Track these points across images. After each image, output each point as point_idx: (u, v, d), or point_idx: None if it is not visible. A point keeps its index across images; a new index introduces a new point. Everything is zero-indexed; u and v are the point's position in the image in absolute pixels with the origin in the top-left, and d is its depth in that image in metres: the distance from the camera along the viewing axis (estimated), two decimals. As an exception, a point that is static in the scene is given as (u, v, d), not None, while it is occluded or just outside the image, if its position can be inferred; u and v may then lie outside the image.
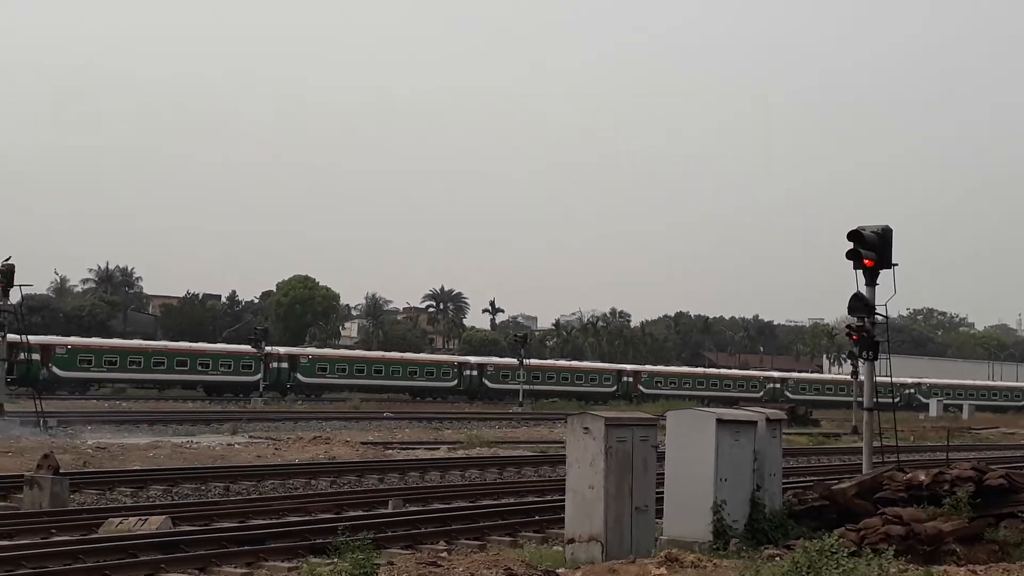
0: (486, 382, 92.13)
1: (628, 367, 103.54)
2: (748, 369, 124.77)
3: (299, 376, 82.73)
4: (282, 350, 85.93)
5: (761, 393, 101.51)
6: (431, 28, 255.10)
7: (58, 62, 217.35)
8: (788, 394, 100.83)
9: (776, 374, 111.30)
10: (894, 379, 24.72)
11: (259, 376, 79.59)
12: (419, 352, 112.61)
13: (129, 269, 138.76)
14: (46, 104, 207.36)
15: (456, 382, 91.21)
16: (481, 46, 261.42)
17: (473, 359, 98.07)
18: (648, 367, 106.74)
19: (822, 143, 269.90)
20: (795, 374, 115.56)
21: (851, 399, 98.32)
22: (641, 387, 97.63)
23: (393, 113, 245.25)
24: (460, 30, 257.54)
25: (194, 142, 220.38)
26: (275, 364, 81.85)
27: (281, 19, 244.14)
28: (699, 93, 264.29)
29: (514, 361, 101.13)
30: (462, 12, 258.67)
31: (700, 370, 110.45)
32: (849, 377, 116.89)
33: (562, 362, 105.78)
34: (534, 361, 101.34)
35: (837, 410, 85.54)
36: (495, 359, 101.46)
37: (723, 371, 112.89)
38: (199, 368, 79.16)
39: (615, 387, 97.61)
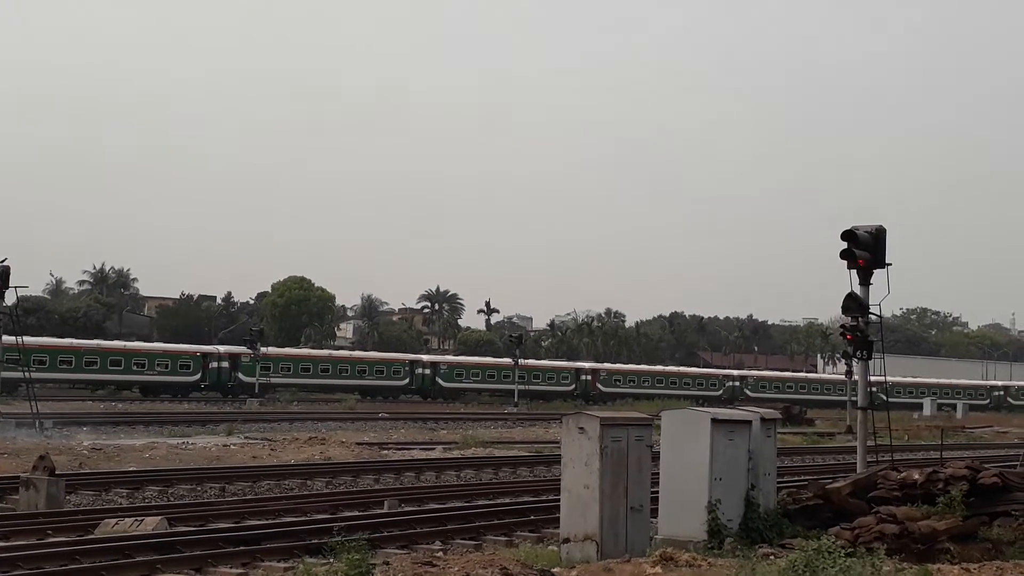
0: (440, 381, 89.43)
1: (586, 365, 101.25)
2: (744, 368, 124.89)
3: (241, 376, 79.50)
4: (222, 349, 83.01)
5: (720, 391, 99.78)
6: (427, 26, 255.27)
7: (54, 62, 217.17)
8: (748, 392, 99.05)
9: (735, 372, 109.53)
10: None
11: (198, 376, 77.60)
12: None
13: (125, 270, 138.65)
14: (42, 104, 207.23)
15: (408, 381, 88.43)
16: (475, 45, 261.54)
17: (426, 357, 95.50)
18: (607, 365, 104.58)
19: (816, 143, 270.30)
20: (755, 372, 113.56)
21: (814, 397, 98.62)
22: (600, 385, 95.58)
23: (389, 113, 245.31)
24: (454, 28, 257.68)
25: (191, 143, 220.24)
26: (215, 364, 79.15)
27: (279, 19, 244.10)
28: (694, 94, 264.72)
29: (470, 359, 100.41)
30: (456, 10, 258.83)
31: (659, 368, 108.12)
32: (811, 375, 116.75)
33: (527, 361, 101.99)
34: (489, 359, 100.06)
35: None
36: (449, 357, 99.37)
37: (682, 369, 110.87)
38: (134, 368, 75.59)
39: (573, 385, 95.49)
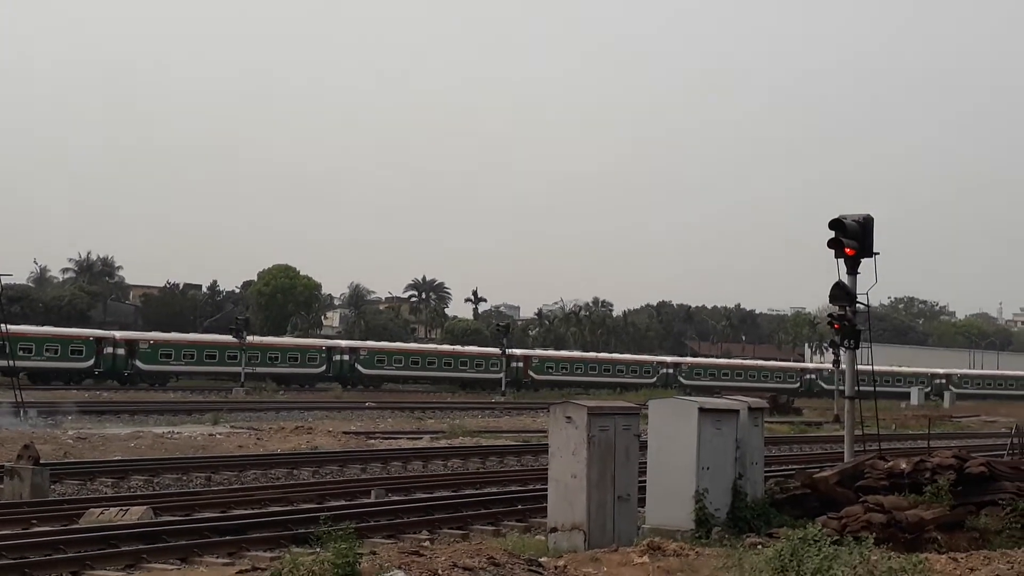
0: (359, 367, 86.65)
1: (517, 352, 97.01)
2: (731, 357, 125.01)
3: (139, 363, 76.41)
4: (119, 335, 79.38)
5: (655, 379, 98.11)
6: (418, 25, 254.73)
7: (38, 52, 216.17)
8: (681, 379, 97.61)
9: (669, 359, 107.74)
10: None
11: (91, 362, 74.41)
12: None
13: (110, 258, 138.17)
14: (26, 93, 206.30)
15: (324, 368, 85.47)
16: (465, 41, 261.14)
17: (344, 343, 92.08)
18: (538, 352, 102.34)
19: (804, 134, 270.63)
20: (688, 359, 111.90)
21: (751, 384, 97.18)
22: (531, 373, 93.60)
23: (376, 106, 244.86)
24: (446, 26, 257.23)
25: (176, 132, 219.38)
26: (110, 349, 75.66)
27: (271, 17, 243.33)
28: (682, 88, 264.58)
29: (392, 345, 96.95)
30: (447, 8, 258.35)
31: (592, 355, 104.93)
32: (747, 361, 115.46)
33: (446, 347, 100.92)
34: (413, 345, 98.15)
35: (731, 392, 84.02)
36: (369, 343, 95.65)
37: (615, 356, 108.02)
38: (20, 353, 64.99)
39: (503, 373, 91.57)
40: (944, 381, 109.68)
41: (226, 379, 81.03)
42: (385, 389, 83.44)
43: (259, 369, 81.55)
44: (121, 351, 76.24)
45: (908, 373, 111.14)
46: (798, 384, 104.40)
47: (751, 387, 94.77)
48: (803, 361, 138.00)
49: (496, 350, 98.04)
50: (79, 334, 76.21)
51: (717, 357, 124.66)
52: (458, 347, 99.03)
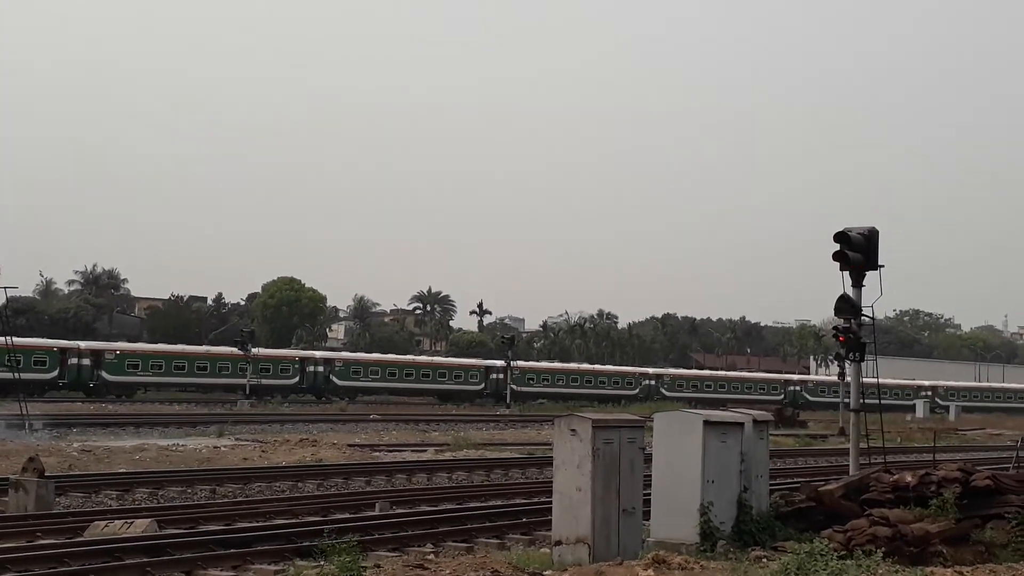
0: (334, 379, 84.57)
1: (497, 363, 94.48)
2: (736, 370, 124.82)
3: (105, 374, 74.06)
4: (83, 344, 76.63)
5: (637, 390, 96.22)
6: (423, 28, 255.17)
7: (42, 60, 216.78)
8: (664, 391, 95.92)
9: (651, 370, 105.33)
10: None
11: (55, 374, 71.67)
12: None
13: (115, 271, 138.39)
14: (30, 103, 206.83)
15: (298, 379, 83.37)
16: (470, 46, 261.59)
17: (319, 354, 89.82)
18: (519, 363, 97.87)
19: (808, 145, 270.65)
20: (671, 370, 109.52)
21: (734, 396, 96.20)
22: (512, 384, 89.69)
23: (380, 114, 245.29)
24: (450, 30, 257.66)
25: (181, 143, 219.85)
26: (75, 360, 72.96)
27: (275, 21, 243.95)
28: (686, 96, 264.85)
29: (368, 356, 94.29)
30: (453, 11, 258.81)
31: (573, 366, 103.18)
32: (731, 372, 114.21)
33: (423, 358, 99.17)
34: (390, 356, 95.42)
35: (713, 407, 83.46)
36: (345, 354, 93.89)
37: (597, 367, 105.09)
38: None
39: (483, 384, 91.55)
40: (929, 394, 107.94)
41: (195, 391, 79.36)
42: (361, 401, 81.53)
43: (229, 380, 79.97)
44: (87, 362, 73.93)
45: (893, 385, 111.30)
46: (782, 396, 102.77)
47: (734, 399, 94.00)
48: (808, 373, 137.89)
49: (477, 361, 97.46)
50: (42, 344, 73.26)
51: (719, 369, 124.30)
52: (437, 358, 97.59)
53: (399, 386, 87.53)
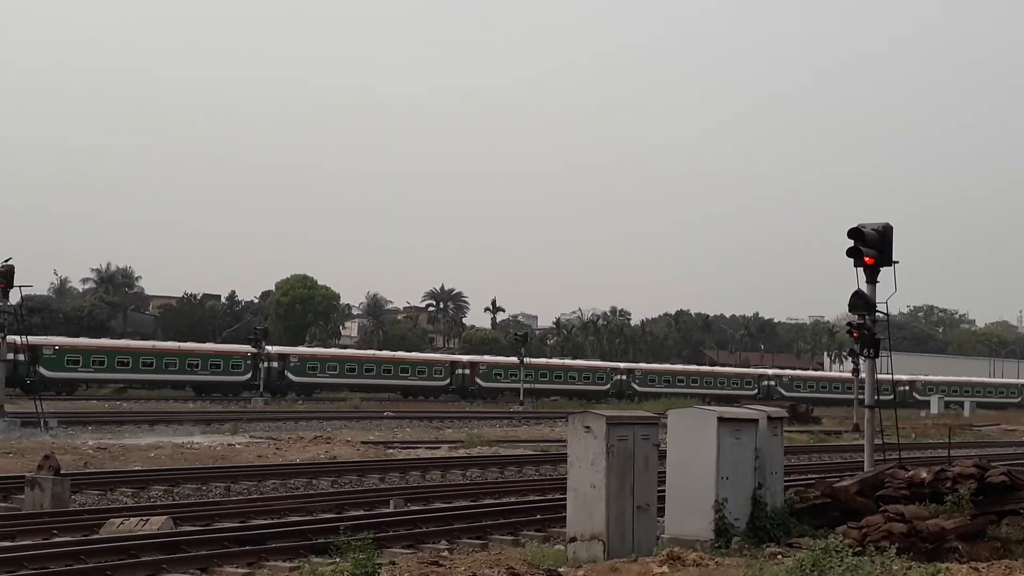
0: (289, 375, 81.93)
1: (464, 358, 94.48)
2: (750, 366, 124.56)
3: (43, 370, 68.61)
4: (19, 340, 69.90)
5: (608, 385, 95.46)
6: (433, 28, 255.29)
7: (56, 61, 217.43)
8: (635, 386, 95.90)
9: (623, 365, 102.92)
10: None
11: None
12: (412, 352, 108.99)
13: (129, 269, 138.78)
14: (45, 103, 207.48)
15: (251, 375, 79.86)
16: (482, 46, 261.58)
17: (273, 349, 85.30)
18: (486, 358, 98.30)
19: (823, 141, 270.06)
20: (643, 365, 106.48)
21: (707, 391, 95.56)
22: (479, 380, 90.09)
23: (393, 113, 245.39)
24: (462, 30, 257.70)
25: (194, 143, 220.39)
26: (11, 356, 65.00)
27: (281, 19, 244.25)
28: (699, 93, 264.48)
29: (326, 351, 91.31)
30: (463, 12, 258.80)
31: (543, 361, 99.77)
32: (703, 367, 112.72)
33: (386, 353, 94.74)
34: (349, 351, 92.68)
35: (684, 399, 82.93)
36: (301, 349, 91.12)
37: (566, 362, 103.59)
38: None
39: (448, 380, 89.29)
40: (908, 388, 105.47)
41: (139, 387, 76.83)
42: (317, 398, 79.30)
43: (178, 377, 77.54)
44: (22, 357, 67.40)
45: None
46: (756, 391, 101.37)
47: (707, 393, 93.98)
48: (822, 369, 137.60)
49: (442, 356, 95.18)
50: None
51: (735, 365, 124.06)
52: (400, 353, 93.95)
53: (359, 382, 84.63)
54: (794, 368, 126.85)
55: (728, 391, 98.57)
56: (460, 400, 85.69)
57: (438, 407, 74.66)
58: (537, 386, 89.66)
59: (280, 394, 79.08)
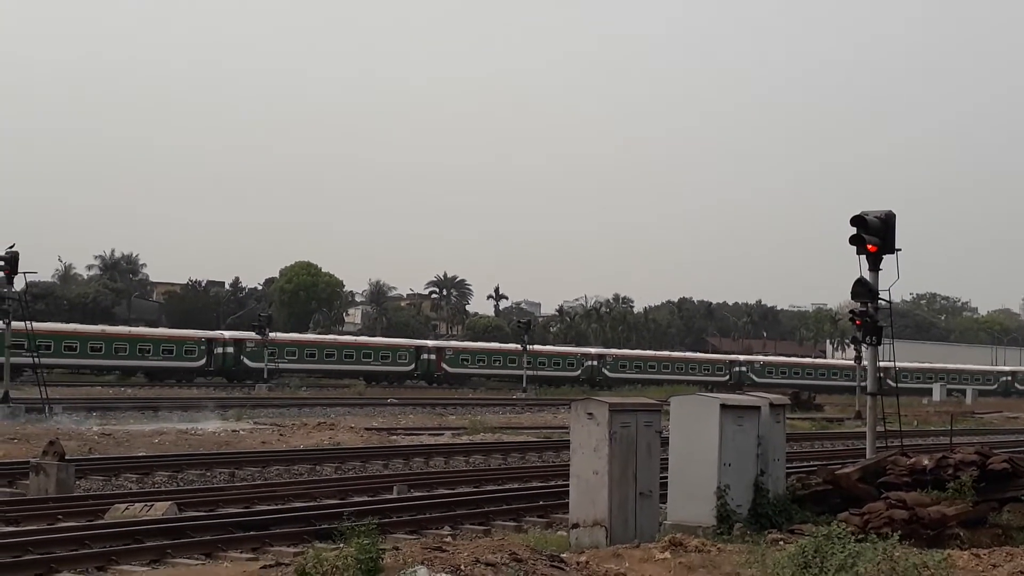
0: (245, 360, 79.56)
1: (429, 343, 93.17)
2: (752, 353, 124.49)
3: None
4: None
5: (579, 372, 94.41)
6: (434, 19, 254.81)
7: (63, 52, 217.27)
8: (607, 372, 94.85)
9: (593, 351, 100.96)
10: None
11: None
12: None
13: (134, 256, 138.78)
14: (51, 93, 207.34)
15: (205, 361, 78.38)
16: (482, 37, 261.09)
17: (228, 334, 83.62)
18: (453, 343, 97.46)
19: (825, 129, 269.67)
20: (613, 351, 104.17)
21: (678, 377, 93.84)
22: (445, 365, 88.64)
23: (397, 103, 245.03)
24: (462, 22, 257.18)
25: (198, 131, 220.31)
26: None
27: (281, 11, 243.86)
28: (701, 82, 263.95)
29: (284, 336, 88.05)
30: (463, 4, 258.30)
31: (511, 346, 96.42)
32: (675, 353, 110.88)
33: (348, 338, 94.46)
34: (309, 336, 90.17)
35: (655, 386, 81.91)
36: (251, 333, 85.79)
37: (537, 348, 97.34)
38: None
39: (413, 365, 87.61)
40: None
41: (87, 372, 74.47)
42: (279, 384, 76.05)
43: (128, 362, 75.55)
44: None
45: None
46: (727, 377, 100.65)
47: (678, 379, 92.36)
48: (824, 357, 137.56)
49: (407, 341, 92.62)
50: None
51: (734, 353, 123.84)
52: (362, 338, 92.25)
53: (320, 367, 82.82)
54: (797, 355, 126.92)
55: (699, 377, 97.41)
56: (427, 386, 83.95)
57: (442, 395, 74.62)
58: (502, 371, 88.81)
59: (237, 380, 77.43)
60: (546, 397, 72.25)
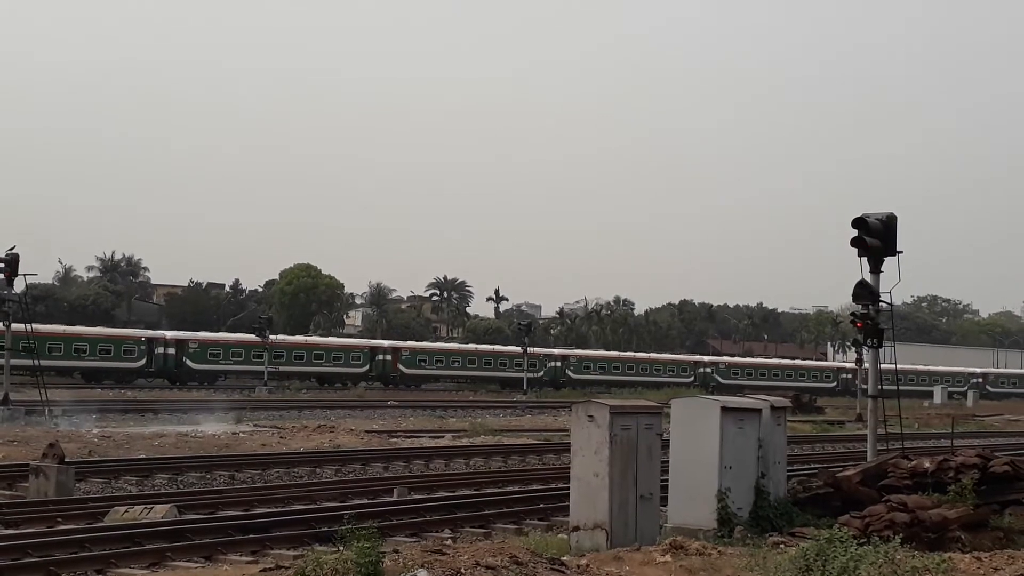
0: (188, 362, 77.70)
1: (384, 343, 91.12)
2: (754, 356, 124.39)
3: None
4: None
5: (541, 373, 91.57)
6: (434, 19, 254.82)
7: (62, 52, 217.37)
8: (570, 373, 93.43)
9: (556, 351, 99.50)
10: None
11: None
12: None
13: (135, 258, 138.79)
14: (51, 93, 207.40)
15: (145, 362, 75.85)
16: (483, 37, 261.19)
17: (169, 334, 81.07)
18: (409, 343, 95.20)
19: (826, 132, 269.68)
20: (577, 351, 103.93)
21: (641, 379, 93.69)
22: (401, 366, 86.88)
23: (396, 104, 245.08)
24: (463, 21, 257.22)
25: (198, 131, 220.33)
26: None
27: (285, 11, 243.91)
28: (702, 84, 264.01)
29: (224, 336, 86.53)
30: (465, 3, 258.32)
31: (471, 347, 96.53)
32: (638, 354, 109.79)
33: (299, 337, 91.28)
34: (250, 337, 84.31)
35: (620, 390, 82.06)
36: (202, 334, 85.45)
37: (496, 348, 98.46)
38: None
39: (367, 366, 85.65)
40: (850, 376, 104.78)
41: (19, 373, 66.99)
42: (222, 387, 73.93)
43: (63, 363, 72.31)
44: None
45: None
46: (692, 378, 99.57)
47: (642, 381, 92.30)
48: (825, 359, 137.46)
49: (361, 341, 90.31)
50: None
51: (743, 356, 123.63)
52: (314, 338, 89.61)
53: (268, 369, 78.96)
54: (796, 358, 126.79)
55: (664, 378, 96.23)
56: (384, 388, 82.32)
57: (442, 398, 74.55)
58: (460, 372, 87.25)
59: (179, 382, 75.44)
60: (547, 399, 72.15)
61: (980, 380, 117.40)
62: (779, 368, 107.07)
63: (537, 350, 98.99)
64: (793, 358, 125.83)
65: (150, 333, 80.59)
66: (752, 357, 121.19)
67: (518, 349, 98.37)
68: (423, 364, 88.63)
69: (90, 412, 44.05)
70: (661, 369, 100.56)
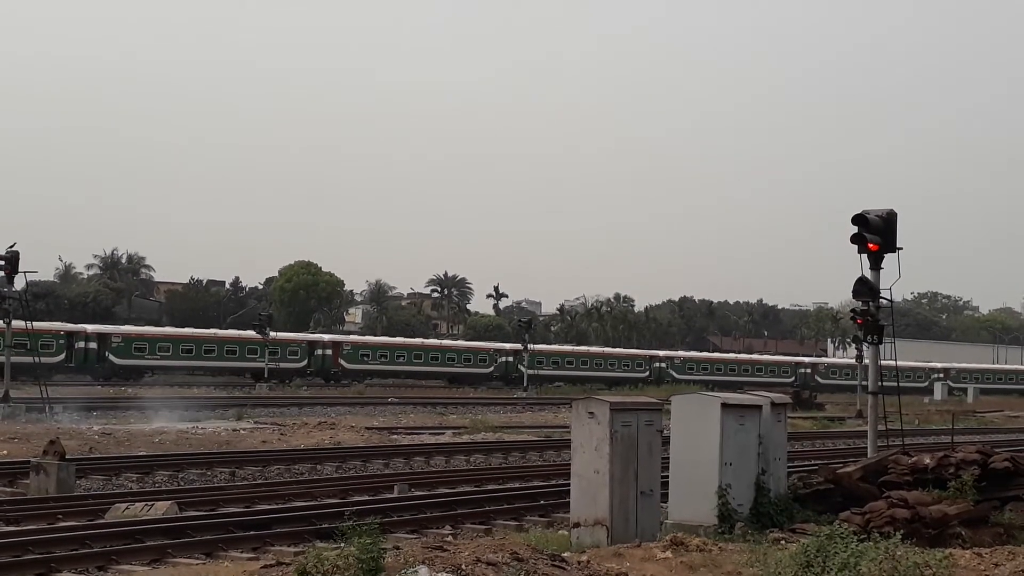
0: (112, 357, 73.71)
1: (325, 337, 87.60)
2: (753, 353, 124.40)
3: None
4: None
5: (491, 368, 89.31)
6: (435, 16, 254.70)
7: (63, 51, 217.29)
8: (522, 368, 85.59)
9: (508, 346, 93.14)
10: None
11: None
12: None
13: (136, 255, 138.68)
14: (52, 92, 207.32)
15: (64, 356, 71.73)
16: (484, 33, 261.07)
17: (90, 327, 76.39)
18: (352, 337, 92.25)
19: (827, 128, 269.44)
20: (538, 346, 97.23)
21: (599, 373, 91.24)
22: (343, 361, 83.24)
23: (396, 100, 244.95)
24: (464, 18, 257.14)
25: (198, 130, 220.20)
26: None
27: (284, 7, 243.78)
28: (703, 81, 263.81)
29: (160, 330, 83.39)
30: (463, 4, 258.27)
31: (419, 341, 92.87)
32: (593, 348, 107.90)
33: (231, 331, 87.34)
34: (186, 330, 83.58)
35: (576, 385, 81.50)
36: (126, 328, 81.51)
37: (447, 343, 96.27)
38: None
39: (306, 361, 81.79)
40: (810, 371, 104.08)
41: None
42: (148, 383, 71.17)
43: None
44: None
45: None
46: (647, 373, 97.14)
47: (600, 376, 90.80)
48: (825, 355, 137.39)
49: (298, 336, 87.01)
50: None
51: (735, 352, 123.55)
52: (247, 332, 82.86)
53: (197, 364, 76.62)
54: (798, 355, 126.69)
55: (619, 373, 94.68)
56: (324, 384, 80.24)
57: (443, 394, 74.58)
58: (407, 368, 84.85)
59: (103, 379, 72.21)
60: (548, 396, 72.16)
61: (942, 375, 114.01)
62: (735, 363, 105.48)
63: (488, 344, 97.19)
64: (794, 354, 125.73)
65: (70, 327, 75.97)
66: (749, 353, 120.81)
67: (479, 344, 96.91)
68: (366, 359, 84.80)
69: (91, 409, 44.05)
70: (616, 364, 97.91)
